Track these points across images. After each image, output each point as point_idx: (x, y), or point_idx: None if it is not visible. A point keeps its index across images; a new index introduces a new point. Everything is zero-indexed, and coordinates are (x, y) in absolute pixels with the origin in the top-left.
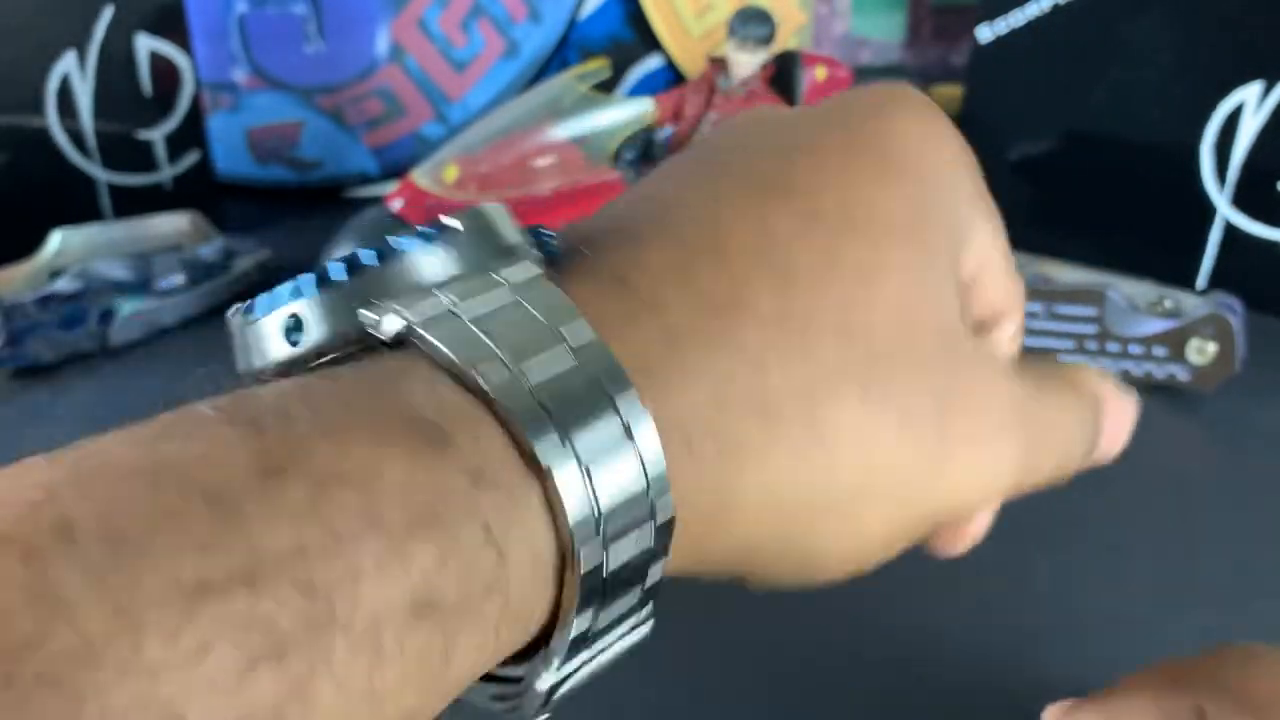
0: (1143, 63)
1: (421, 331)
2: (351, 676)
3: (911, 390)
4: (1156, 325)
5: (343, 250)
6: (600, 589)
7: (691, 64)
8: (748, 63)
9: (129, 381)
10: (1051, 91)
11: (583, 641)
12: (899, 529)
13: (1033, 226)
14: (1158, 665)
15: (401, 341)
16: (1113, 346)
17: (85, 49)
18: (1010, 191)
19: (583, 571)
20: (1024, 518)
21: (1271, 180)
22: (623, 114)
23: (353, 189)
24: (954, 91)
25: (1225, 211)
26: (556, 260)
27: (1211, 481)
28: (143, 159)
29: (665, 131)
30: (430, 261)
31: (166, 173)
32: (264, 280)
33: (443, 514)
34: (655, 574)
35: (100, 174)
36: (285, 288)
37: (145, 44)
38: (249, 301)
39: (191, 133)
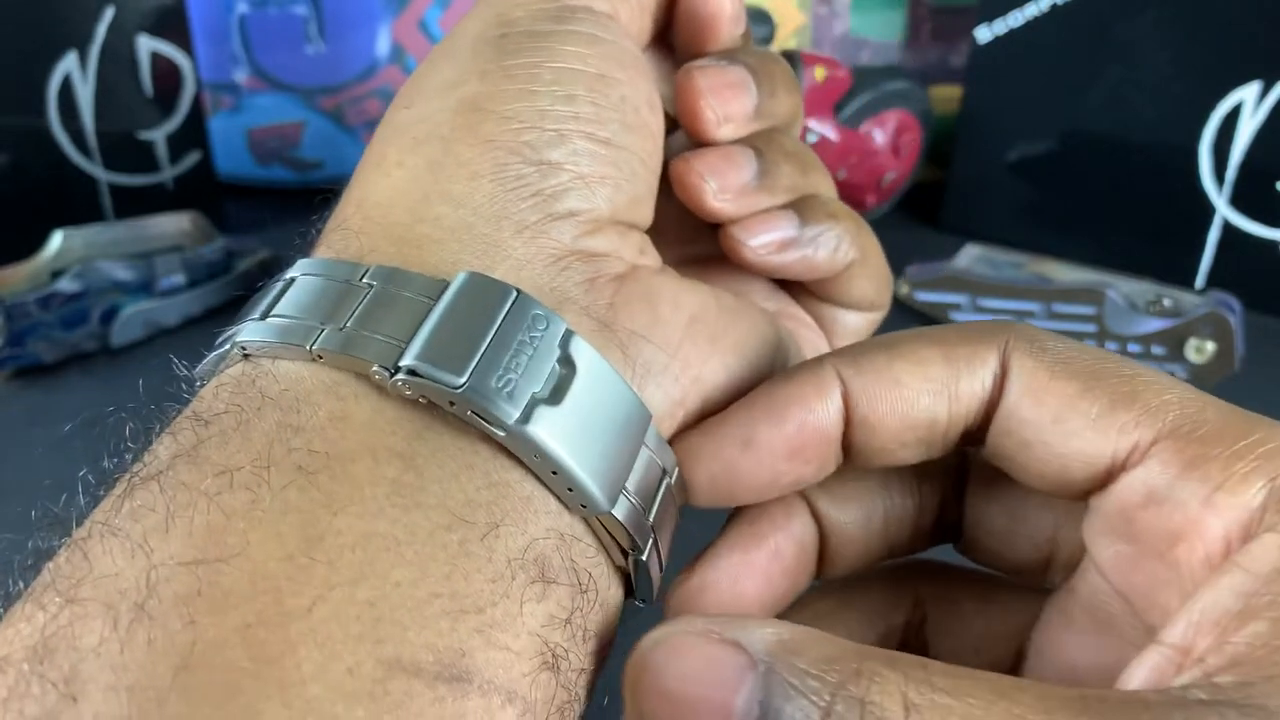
0: (1141, 63)
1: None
2: None
3: None
4: (1155, 324)
5: None
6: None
7: None
8: None
9: (130, 382)
10: (1050, 92)
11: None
12: None
13: (1032, 226)
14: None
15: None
16: (1112, 345)
17: (86, 49)
18: (1009, 191)
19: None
20: None
21: (1269, 180)
22: None
23: None
24: (953, 92)
25: (1224, 211)
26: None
27: None
28: (144, 159)
29: None
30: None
31: (168, 173)
32: (265, 280)
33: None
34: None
35: (101, 174)
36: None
37: (146, 44)
38: None
39: (192, 133)
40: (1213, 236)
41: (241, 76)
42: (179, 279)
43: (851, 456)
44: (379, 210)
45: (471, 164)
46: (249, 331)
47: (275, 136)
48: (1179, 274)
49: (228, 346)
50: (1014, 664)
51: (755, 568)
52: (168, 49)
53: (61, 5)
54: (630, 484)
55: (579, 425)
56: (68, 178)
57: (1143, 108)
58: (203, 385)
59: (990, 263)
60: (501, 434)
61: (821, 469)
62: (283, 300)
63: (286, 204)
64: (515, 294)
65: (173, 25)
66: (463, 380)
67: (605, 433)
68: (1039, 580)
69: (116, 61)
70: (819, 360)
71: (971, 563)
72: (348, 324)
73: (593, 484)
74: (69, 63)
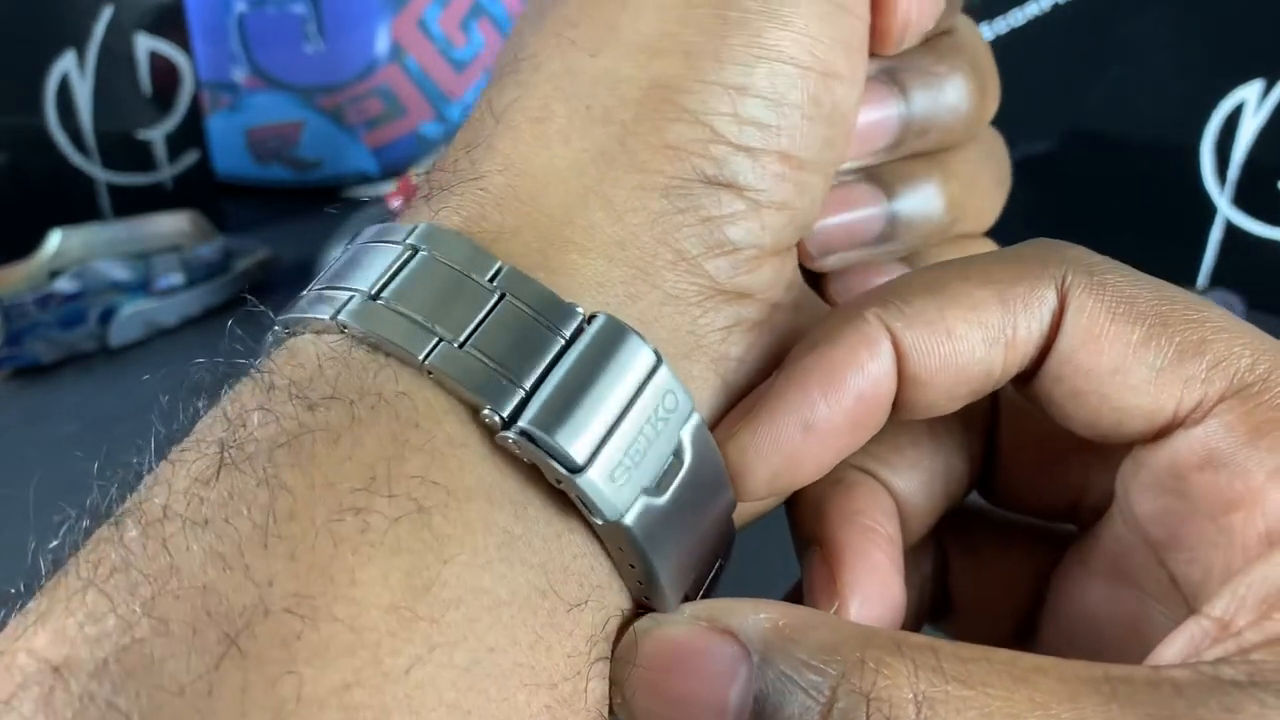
0: (1143, 62)
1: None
2: None
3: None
4: None
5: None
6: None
7: None
8: None
9: (128, 381)
10: (1051, 91)
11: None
12: None
13: (1033, 226)
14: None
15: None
16: None
17: (85, 48)
18: (1010, 191)
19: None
20: None
21: (1272, 179)
22: None
23: (353, 189)
24: None
25: (1226, 210)
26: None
27: None
28: (142, 159)
29: None
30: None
31: (166, 172)
32: (264, 280)
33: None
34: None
35: (100, 173)
36: None
37: (145, 44)
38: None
39: (191, 132)
40: (1215, 236)
41: (240, 75)
42: (177, 279)
43: (895, 412)
44: (529, 187)
45: (645, 168)
46: (355, 313)
47: (274, 136)
48: (1181, 273)
49: (327, 317)
50: (1033, 608)
51: (885, 579)
52: (166, 48)
53: (59, 4)
54: (696, 579)
55: (672, 521)
56: (66, 177)
57: (1144, 107)
58: (291, 336)
59: None
60: (599, 523)
61: (871, 434)
62: (398, 279)
63: (285, 203)
64: (655, 360)
65: (171, 24)
66: (581, 464)
67: (693, 529)
68: (1064, 522)
69: (115, 60)
70: (860, 313)
71: (993, 507)
72: (466, 341)
73: (668, 588)
74: (67, 62)
